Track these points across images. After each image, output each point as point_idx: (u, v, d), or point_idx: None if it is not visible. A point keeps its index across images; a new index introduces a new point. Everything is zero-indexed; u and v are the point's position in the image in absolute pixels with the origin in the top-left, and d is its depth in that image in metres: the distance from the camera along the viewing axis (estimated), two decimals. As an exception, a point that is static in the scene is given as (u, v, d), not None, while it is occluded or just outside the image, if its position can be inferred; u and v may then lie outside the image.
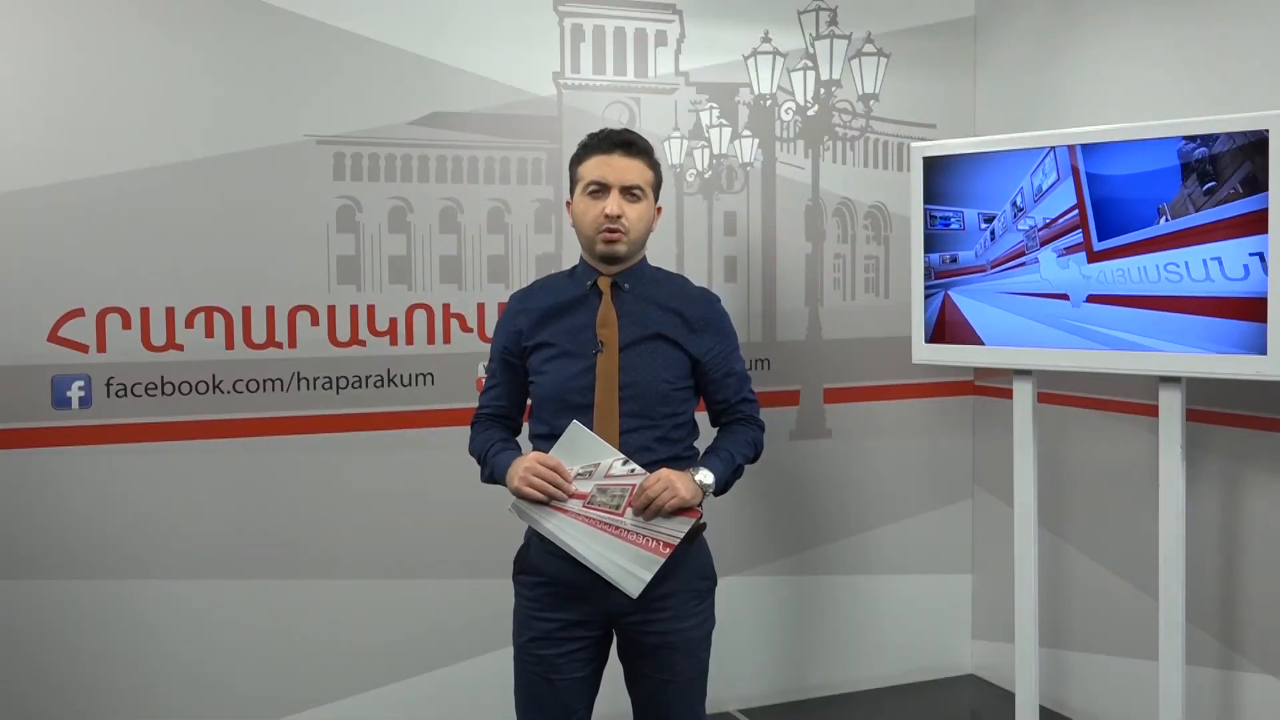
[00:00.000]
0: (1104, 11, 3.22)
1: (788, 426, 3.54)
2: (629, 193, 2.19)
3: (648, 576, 2.10)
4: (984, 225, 2.86)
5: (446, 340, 3.14)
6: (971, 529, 3.79)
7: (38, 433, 2.79)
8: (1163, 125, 2.55)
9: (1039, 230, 2.76)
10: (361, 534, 3.07)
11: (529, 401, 2.30)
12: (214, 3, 2.89)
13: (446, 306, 3.13)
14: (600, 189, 2.18)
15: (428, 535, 3.13)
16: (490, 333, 2.72)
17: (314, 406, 3.02)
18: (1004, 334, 2.84)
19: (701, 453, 2.26)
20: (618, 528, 2.11)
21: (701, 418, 2.29)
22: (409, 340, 3.10)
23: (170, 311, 2.88)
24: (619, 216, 2.16)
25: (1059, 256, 2.72)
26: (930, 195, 2.94)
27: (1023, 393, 2.90)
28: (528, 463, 2.14)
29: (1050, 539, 3.36)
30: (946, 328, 2.94)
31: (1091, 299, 2.68)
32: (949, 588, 3.77)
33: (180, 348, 2.89)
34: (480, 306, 3.16)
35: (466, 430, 2.35)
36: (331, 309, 3.02)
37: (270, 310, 2.97)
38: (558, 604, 2.18)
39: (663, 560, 2.11)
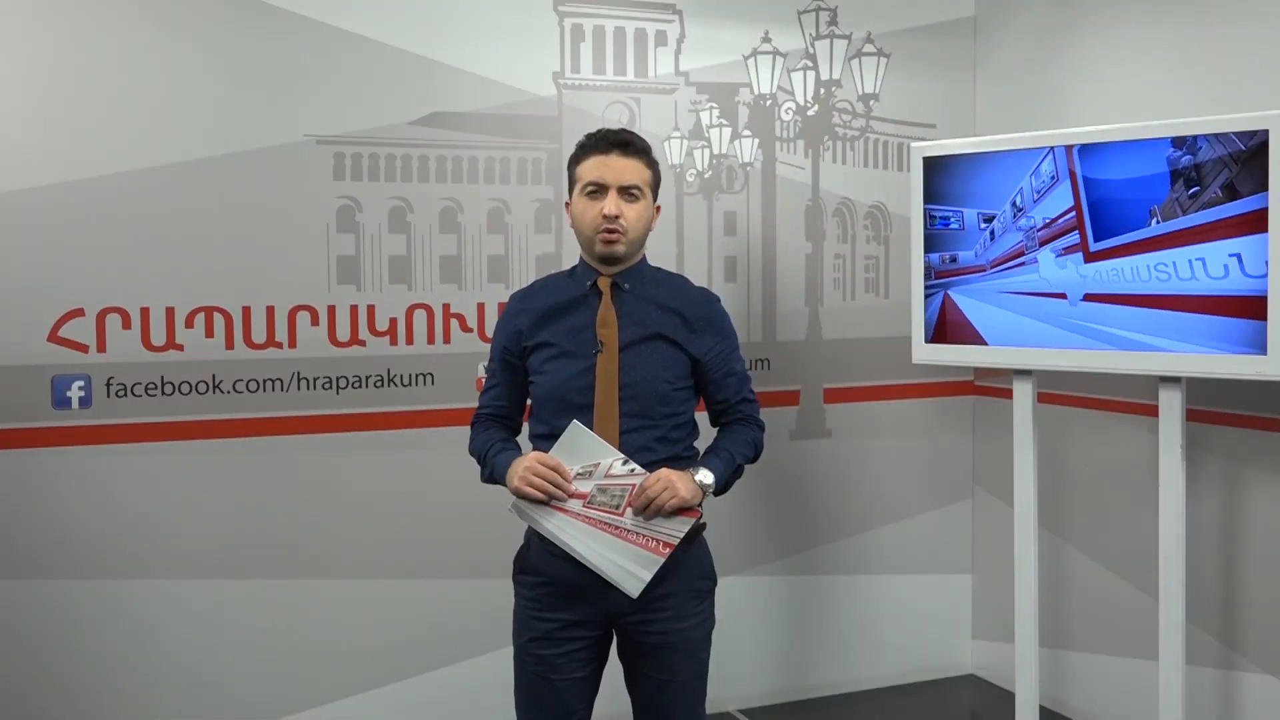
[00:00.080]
0: (1104, 11, 3.22)
1: (788, 426, 3.54)
2: (627, 192, 2.19)
3: (648, 576, 2.10)
4: (984, 225, 2.86)
5: (446, 340, 3.14)
6: (971, 529, 3.79)
7: (38, 433, 2.79)
8: (1162, 125, 2.56)
9: (1038, 230, 2.76)
10: (361, 534, 3.07)
11: (529, 401, 2.30)
12: (214, 3, 2.89)
13: (446, 306, 3.13)
14: (598, 189, 2.18)
15: (428, 535, 3.13)
16: (490, 333, 2.72)
17: (314, 406, 3.02)
18: (1004, 334, 2.84)
19: (701, 453, 2.26)
20: (618, 528, 2.11)
21: (701, 418, 2.29)
22: (409, 340, 3.10)
23: (170, 311, 2.88)
24: (617, 216, 2.16)
25: (1057, 256, 2.73)
26: (930, 195, 2.94)
27: (1023, 393, 2.90)
28: (528, 462, 2.14)
29: (1050, 539, 3.36)
30: (946, 328, 2.94)
31: (1088, 298, 2.68)
32: (949, 588, 3.77)
33: (180, 348, 2.90)
34: (480, 306, 3.16)
35: (466, 430, 2.35)
36: (331, 309, 3.02)
37: (270, 310, 2.97)
38: (558, 604, 2.18)
39: (663, 560, 2.11)
